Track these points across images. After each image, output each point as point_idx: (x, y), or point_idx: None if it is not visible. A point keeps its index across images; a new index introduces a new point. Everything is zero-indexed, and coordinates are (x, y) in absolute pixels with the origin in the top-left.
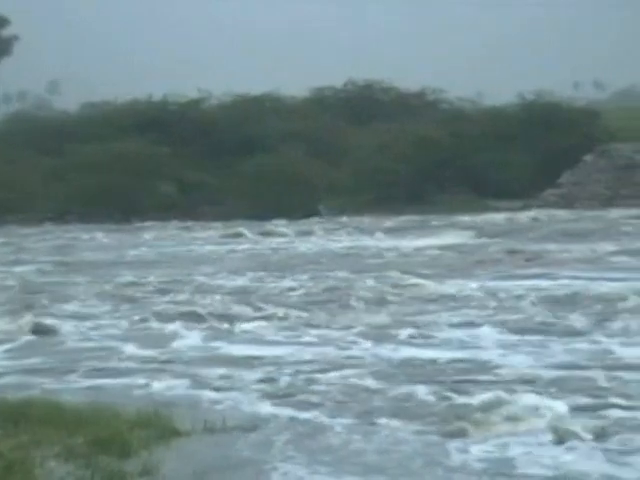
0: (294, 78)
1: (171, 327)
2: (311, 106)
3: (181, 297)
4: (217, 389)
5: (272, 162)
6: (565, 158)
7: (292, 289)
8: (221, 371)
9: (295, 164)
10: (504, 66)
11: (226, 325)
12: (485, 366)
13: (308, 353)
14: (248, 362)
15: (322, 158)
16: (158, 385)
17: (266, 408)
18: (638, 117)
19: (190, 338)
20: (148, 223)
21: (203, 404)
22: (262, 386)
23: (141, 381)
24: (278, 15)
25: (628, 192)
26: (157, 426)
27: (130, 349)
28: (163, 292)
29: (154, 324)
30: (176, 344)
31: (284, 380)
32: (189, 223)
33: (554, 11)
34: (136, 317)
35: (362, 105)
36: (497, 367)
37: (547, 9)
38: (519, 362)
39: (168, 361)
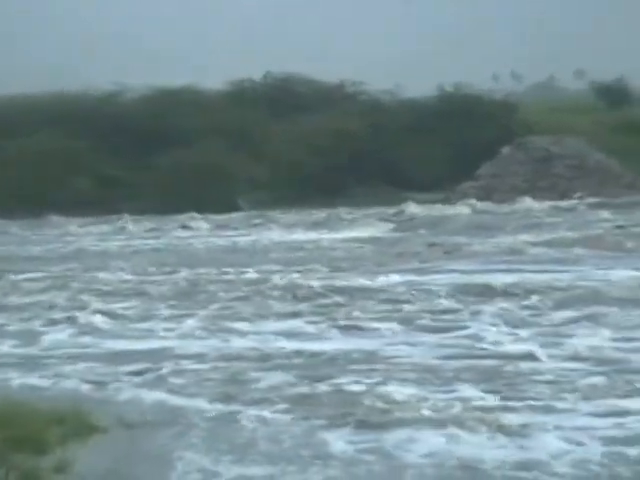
0: (211, 70)
1: (38, 323)
2: (230, 99)
3: (59, 293)
4: (102, 384)
5: (191, 156)
6: (484, 150)
7: (188, 281)
8: (97, 365)
9: (214, 158)
10: (423, 58)
11: (98, 318)
12: (375, 356)
13: (193, 345)
14: (125, 356)
15: (242, 152)
16: (31, 381)
17: (176, 401)
18: (555, 109)
19: (60, 334)
20: (62, 218)
21: (110, 400)
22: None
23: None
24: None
25: (545, 184)
26: (73, 423)
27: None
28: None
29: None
30: (47, 340)
31: (177, 373)
32: (104, 218)
33: (473, 5)
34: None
35: (281, 98)
36: (389, 358)
37: (467, 3)
38: (412, 353)
39: (39, 357)
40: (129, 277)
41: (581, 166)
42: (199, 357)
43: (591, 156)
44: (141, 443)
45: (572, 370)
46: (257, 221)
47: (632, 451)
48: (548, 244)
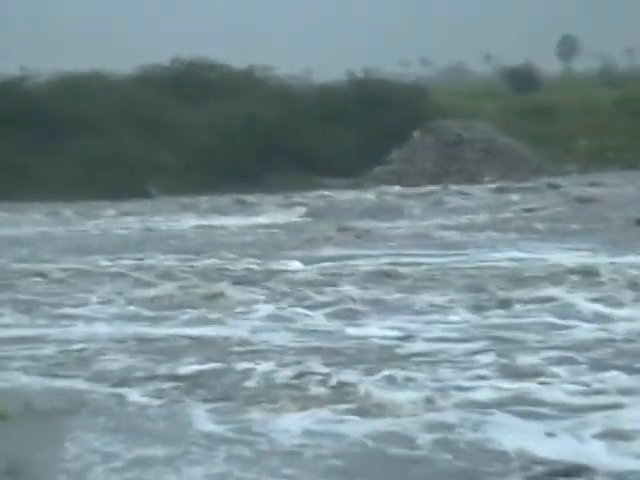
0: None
1: None
2: (138, 84)
3: None
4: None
5: (98, 143)
6: (395, 135)
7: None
8: None
9: (122, 144)
10: (333, 43)
11: None
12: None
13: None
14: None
15: (150, 138)
16: None
17: (79, 385)
18: (464, 94)
19: None
20: None
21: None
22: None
23: None
24: None
25: (455, 168)
26: None
27: None
28: None
29: None
30: None
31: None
32: (7, 205)
33: None
34: None
35: (190, 83)
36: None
37: None
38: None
39: None
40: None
41: (490, 150)
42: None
43: (499, 140)
44: (42, 429)
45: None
46: (166, 207)
47: None
48: (458, 228)
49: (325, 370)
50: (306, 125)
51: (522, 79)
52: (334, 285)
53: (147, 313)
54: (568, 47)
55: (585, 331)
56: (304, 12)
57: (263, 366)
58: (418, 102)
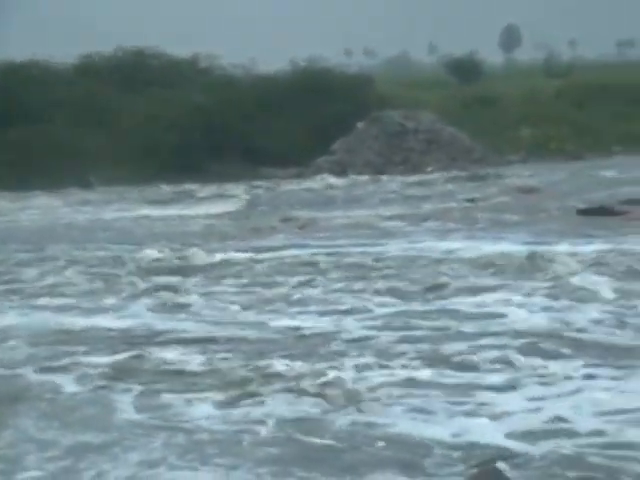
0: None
1: None
2: (79, 74)
3: None
4: None
5: (39, 133)
6: (339, 125)
7: None
8: None
9: (63, 134)
10: (277, 33)
11: None
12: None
13: None
14: None
15: (92, 127)
16: None
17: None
18: (408, 84)
19: None
20: None
21: None
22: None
23: None
24: None
25: (399, 158)
26: None
27: None
28: None
29: None
30: None
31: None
32: None
33: None
34: None
35: (133, 72)
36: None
37: None
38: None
39: None
40: None
41: (433, 140)
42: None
43: (443, 130)
44: None
45: None
46: (108, 198)
47: None
48: (402, 218)
49: (239, 358)
50: (250, 115)
51: (466, 69)
52: (271, 275)
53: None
54: (511, 38)
55: (513, 321)
56: (248, 1)
57: (177, 354)
58: (362, 92)
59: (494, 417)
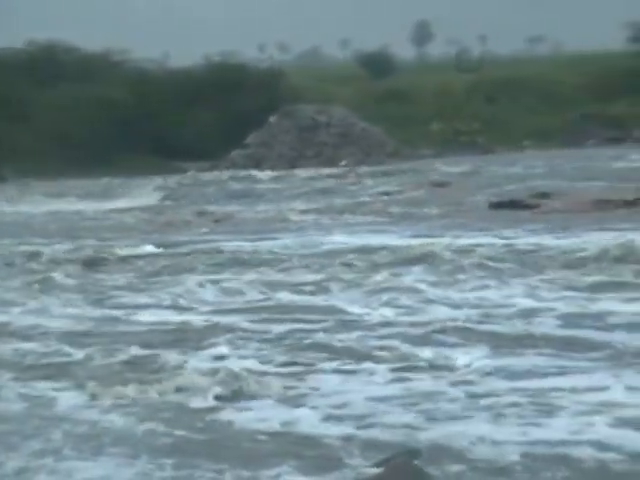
0: None
1: None
2: None
3: None
4: None
5: None
6: (252, 119)
7: None
8: None
9: None
10: (190, 28)
11: None
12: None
13: None
14: None
15: (4, 121)
16: None
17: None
18: (320, 78)
19: None
20: None
21: None
22: None
23: None
24: None
25: (312, 152)
26: None
27: None
28: None
29: None
30: None
31: None
32: None
33: None
34: None
35: (45, 66)
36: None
37: None
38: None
39: None
40: None
41: (346, 134)
42: None
43: (356, 124)
44: None
45: None
46: (21, 191)
47: None
48: (317, 212)
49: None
50: (164, 109)
51: (378, 64)
52: (178, 271)
53: None
54: (423, 33)
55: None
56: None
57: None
58: (275, 86)
59: None
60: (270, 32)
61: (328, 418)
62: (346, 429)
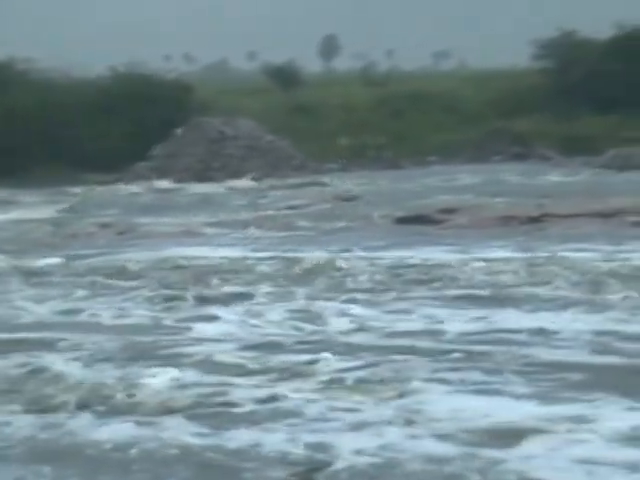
0: None
1: None
2: None
3: None
4: None
5: None
6: (158, 131)
7: None
8: None
9: None
10: (95, 38)
11: None
12: None
13: None
14: None
15: None
16: None
17: None
18: (227, 91)
19: None
20: None
21: None
22: None
23: None
24: None
25: (218, 165)
26: None
27: None
28: None
29: None
30: None
31: None
32: None
33: None
34: None
35: None
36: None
37: None
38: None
39: None
40: None
41: (253, 147)
42: None
43: (263, 137)
44: None
45: None
46: None
47: None
48: (223, 225)
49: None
50: (69, 120)
51: (285, 77)
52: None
53: None
54: (330, 47)
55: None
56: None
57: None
58: (182, 98)
59: None
60: (177, 43)
61: None
62: None
